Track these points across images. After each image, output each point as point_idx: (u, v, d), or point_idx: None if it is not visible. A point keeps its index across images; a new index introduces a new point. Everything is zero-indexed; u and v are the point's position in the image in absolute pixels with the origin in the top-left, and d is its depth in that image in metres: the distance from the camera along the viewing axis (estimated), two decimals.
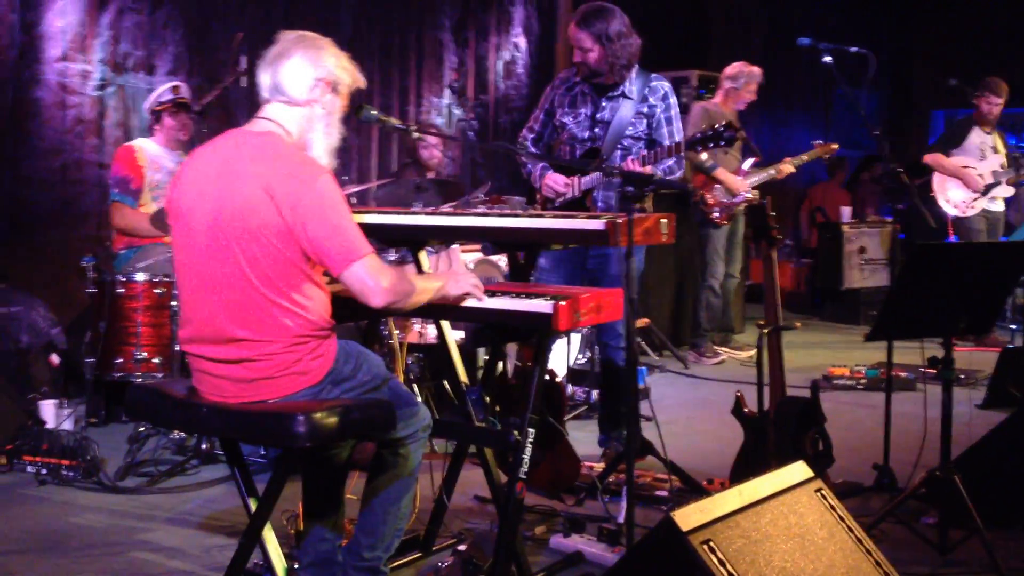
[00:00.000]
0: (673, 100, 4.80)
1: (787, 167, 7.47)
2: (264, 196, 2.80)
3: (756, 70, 7.48)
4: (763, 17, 11.76)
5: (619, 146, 4.70)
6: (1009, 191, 8.33)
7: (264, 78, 3.01)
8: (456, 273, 3.20)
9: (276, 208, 2.80)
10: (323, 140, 3.05)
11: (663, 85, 4.78)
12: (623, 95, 4.72)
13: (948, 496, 3.67)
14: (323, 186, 2.83)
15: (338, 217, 2.84)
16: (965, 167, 8.17)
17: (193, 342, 2.96)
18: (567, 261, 4.77)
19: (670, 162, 4.61)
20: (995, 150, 8.27)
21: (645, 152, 4.61)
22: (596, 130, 4.74)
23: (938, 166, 8.24)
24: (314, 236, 2.81)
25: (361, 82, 3.15)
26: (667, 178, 4.61)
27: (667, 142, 4.68)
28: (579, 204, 4.72)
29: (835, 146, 7.51)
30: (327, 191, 2.84)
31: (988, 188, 8.15)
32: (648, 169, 4.46)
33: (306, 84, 2.99)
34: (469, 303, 3.15)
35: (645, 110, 4.73)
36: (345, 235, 2.84)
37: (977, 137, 8.26)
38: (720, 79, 7.60)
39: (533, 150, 4.90)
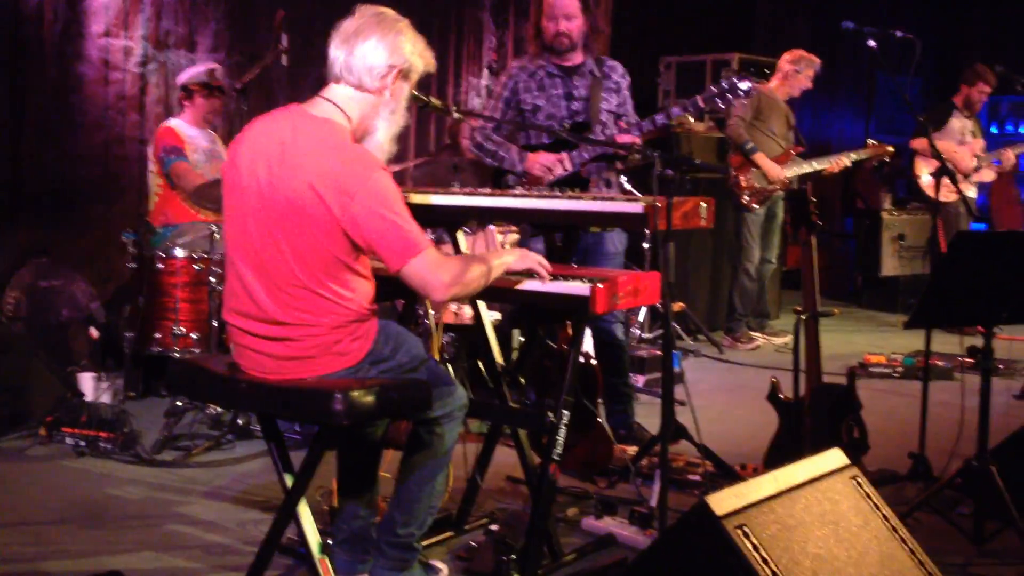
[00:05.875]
0: (629, 79, 4.83)
1: (845, 160, 7.42)
2: (312, 192, 2.78)
3: (816, 59, 7.49)
4: (808, 0, 11.64)
5: (599, 121, 4.67)
6: (990, 176, 8.31)
7: (337, 55, 2.94)
8: (520, 250, 3.17)
9: (325, 205, 2.77)
10: (387, 127, 3.00)
11: (618, 64, 4.82)
12: (590, 72, 4.71)
13: (984, 487, 3.65)
14: (376, 182, 2.79)
15: (392, 213, 2.79)
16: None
17: (236, 314, 2.97)
18: None
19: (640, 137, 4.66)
20: (973, 134, 8.21)
21: (624, 124, 4.63)
22: (574, 107, 4.69)
23: (925, 149, 8.10)
24: (369, 234, 2.79)
25: (432, 67, 3.08)
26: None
27: (633, 119, 4.72)
28: (574, 179, 4.63)
29: (890, 148, 7.46)
30: (380, 187, 2.79)
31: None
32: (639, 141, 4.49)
33: (379, 72, 2.93)
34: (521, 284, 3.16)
35: (612, 86, 4.73)
36: (400, 231, 2.80)
37: (958, 122, 8.21)
38: (779, 64, 7.57)
39: (495, 137, 4.74)
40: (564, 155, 4.60)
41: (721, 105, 4.47)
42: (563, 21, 4.61)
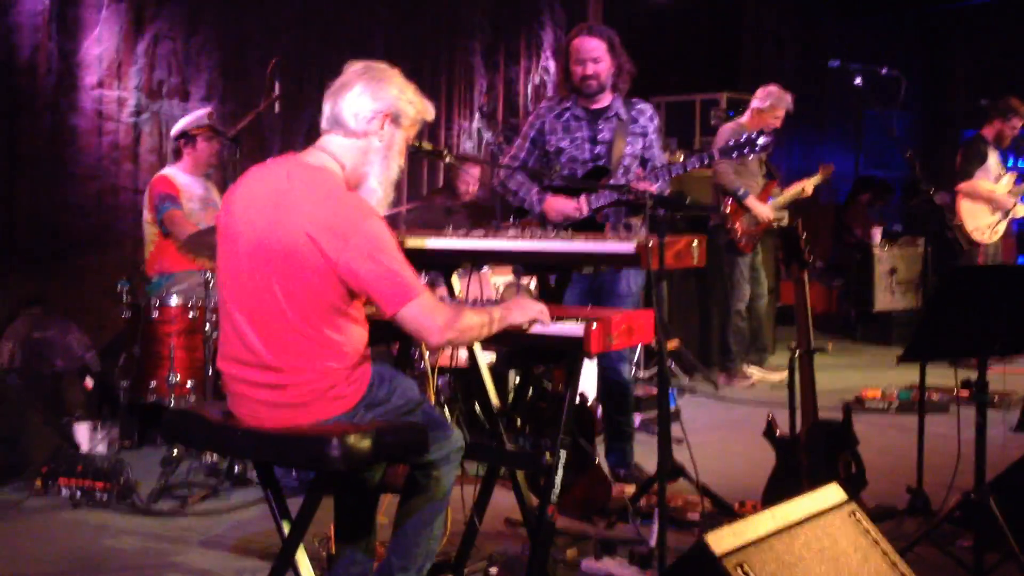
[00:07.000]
0: (657, 122, 4.87)
1: (807, 188, 7.52)
2: (306, 239, 2.80)
3: (787, 96, 7.38)
4: (794, 39, 11.73)
5: (620, 165, 4.71)
6: (1023, 211, 8.27)
7: (325, 108, 3.02)
8: (520, 301, 3.17)
9: (320, 250, 2.80)
10: (380, 173, 3.03)
11: (648, 106, 4.86)
12: (617, 116, 4.75)
13: (983, 519, 3.64)
14: (370, 228, 2.82)
15: (387, 259, 2.82)
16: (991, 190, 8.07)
17: (231, 361, 2.98)
18: (582, 278, 4.69)
19: (663, 183, 4.65)
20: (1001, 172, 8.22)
21: (642, 171, 4.69)
22: (597, 150, 4.74)
23: (973, 193, 8.00)
24: (364, 279, 2.81)
25: (429, 115, 3.13)
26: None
27: (658, 161, 4.78)
28: (590, 223, 4.68)
29: (830, 167, 7.63)
30: (374, 233, 2.82)
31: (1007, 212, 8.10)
32: (655, 188, 4.52)
33: (364, 116, 2.98)
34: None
35: (638, 130, 4.78)
36: (395, 277, 2.83)
37: (993, 158, 8.11)
38: (751, 101, 7.57)
39: (519, 177, 4.79)
40: (583, 199, 4.64)
41: (736, 158, 4.52)
42: (590, 64, 4.67)
